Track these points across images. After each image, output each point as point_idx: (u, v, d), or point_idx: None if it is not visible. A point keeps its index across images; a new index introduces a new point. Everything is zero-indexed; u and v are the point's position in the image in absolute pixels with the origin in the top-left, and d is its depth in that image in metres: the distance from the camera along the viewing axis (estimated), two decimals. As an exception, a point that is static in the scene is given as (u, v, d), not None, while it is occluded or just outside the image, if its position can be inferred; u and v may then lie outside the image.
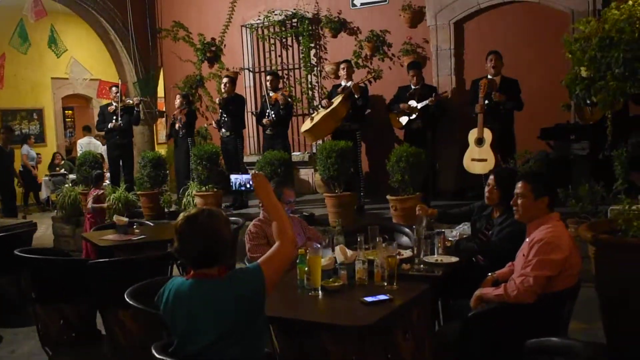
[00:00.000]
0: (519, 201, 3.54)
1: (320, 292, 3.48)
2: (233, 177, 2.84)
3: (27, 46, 10.07)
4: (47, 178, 13.70)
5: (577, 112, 7.53)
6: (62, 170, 13.89)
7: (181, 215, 2.73)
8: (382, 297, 3.29)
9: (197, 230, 2.63)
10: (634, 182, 6.18)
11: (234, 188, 2.70)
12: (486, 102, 7.35)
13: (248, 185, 2.55)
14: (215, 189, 8.41)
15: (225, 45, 10.61)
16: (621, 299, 4.08)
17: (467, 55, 8.82)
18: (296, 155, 9.85)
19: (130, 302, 3.42)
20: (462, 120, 8.07)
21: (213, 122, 9.33)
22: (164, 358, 2.65)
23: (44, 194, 13.84)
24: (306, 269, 3.54)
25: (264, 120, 8.66)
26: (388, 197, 7.21)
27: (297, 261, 3.61)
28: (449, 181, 8.77)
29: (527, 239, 3.47)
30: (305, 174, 10.01)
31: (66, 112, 16.82)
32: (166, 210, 8.85)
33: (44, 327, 5.32)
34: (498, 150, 7.16)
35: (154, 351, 2.71)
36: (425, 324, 3.72)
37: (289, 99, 8.87)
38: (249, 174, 2.70)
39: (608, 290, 4.20)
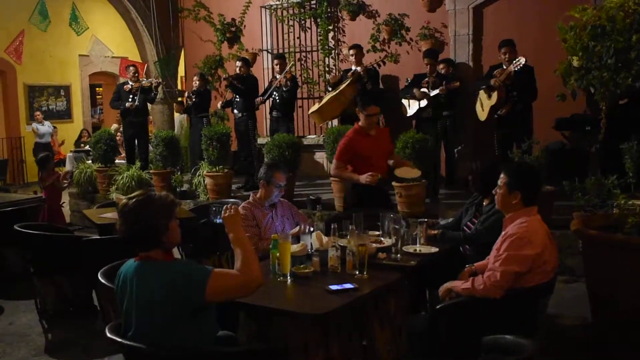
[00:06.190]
0: (497, 191, 3.46)
1: (289, 278, 3.45)
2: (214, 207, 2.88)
3: (47, 23, 10.15)
4: (71, 154, 13.93)
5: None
6: (87, 147, 14.10)
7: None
8: (347, 285, 3.26)
9: (127, 214, 2.66)
10: None
11: (213, 220, 2.76)
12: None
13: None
14: (225, 170, 8.43)
15: (245, 26, 10.58)
16: (609, 296, 3.98)
17: (486, 41, 8.61)
18: (311, 139, 9.82)
19: (101, 281, 3.45)
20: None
21: (219, 102, 9.45)
22: (113, 337, 2.66)
23: (67, 169, 14.09)
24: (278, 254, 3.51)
25: (257, 100, 8.73)
26: (393, 183, 7.11)
27: (270, 246, 3.59)
28: (463, 170, 8.62)
29: (502, 233, 3.38)
30: (320, 157, 9.96)
31: (97, 89, 17.02)
32: (178, 189, 8.90)
33: (42, 300, 5.43)
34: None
35: (107, 331, 2.72)
36: (402, 313, 3.68)
37: (289, 82, 8.63)
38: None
39: (596, 286, 4.10)
